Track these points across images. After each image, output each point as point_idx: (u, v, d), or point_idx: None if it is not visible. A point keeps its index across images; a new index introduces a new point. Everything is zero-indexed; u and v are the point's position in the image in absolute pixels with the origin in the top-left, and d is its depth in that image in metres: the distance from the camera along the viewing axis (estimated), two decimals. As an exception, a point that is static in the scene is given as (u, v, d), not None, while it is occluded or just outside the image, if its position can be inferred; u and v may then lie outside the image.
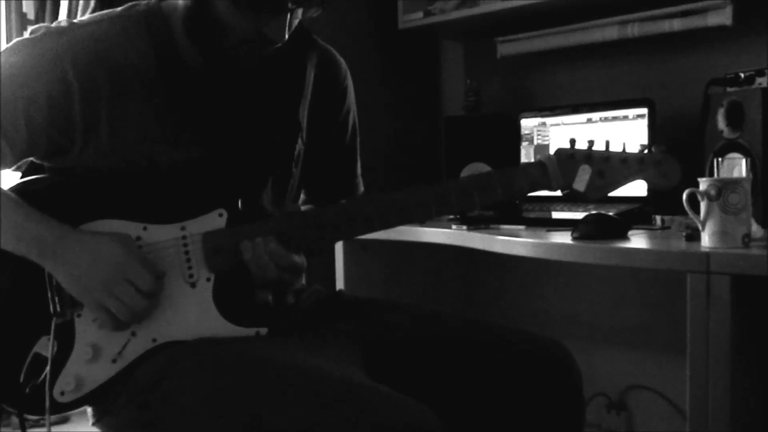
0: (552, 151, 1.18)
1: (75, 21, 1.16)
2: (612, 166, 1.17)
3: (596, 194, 1.17)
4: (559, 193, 1.19)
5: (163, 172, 1.14)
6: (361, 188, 1.41)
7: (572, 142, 1.18)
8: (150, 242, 1.11)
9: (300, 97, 1.25)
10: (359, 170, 1.40)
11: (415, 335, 1.22)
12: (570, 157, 1.17)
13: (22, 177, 1.19)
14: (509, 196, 1.15)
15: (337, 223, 1.13)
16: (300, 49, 1.24)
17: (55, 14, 2.56)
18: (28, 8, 2.56)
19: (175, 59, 1.15)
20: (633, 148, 1.20)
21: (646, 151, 1.20)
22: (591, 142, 1.18)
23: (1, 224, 1.07)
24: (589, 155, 1.17)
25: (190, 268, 1.11)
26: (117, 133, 1.12)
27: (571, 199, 1.19)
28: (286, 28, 1.09)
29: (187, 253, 1.11)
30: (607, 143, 1.19)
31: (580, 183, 1.16)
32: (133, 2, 1.20)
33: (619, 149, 1.19)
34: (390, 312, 1.28)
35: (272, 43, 1.11)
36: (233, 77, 1.18)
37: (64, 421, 1.99)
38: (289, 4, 1.07)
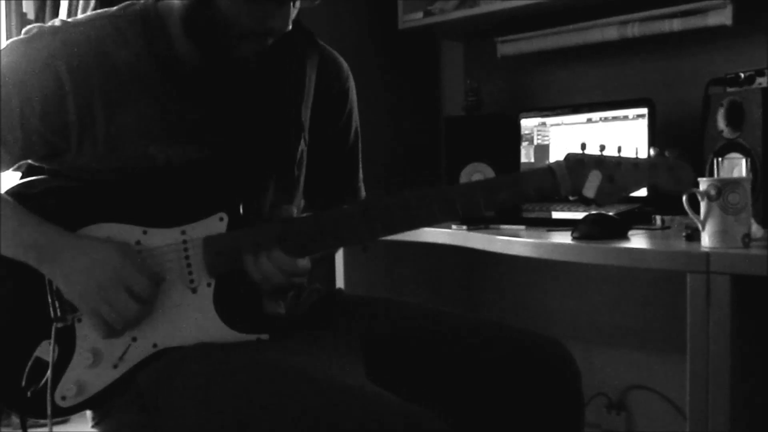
0: (560, 155, 1.14)
1: (69, 20, 1.15)
2: (623, 171, 1.12)
3: (606, 200, 1.13)
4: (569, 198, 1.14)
5: (162, 174, 1.13)
6: (363, 193, 1.38)
7: (583, 146, 1.14)
8: (150, 247, 1.10)
9: (302, 98, 1.23)
10: (361, 175, 1.38)
11: (414, 334, 1.22)
12: (579, 162, 1.12)
13: (21, 178, 1.18)
14: (515, 201, 1.12)
15: (339, 228, 1.11)
16: (300, 48, 1.23)
17: (55, 14, 2.56)
18: (28, 8, 2.56)
19: (172, 59, 1.14)
20: (644, 153, 1.15)
21: (659, 156, 1.15)
22: (602, 147, 1.14)
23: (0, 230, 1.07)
24: (600, 160, 1.12)
25: (190, 273, 1.10)
26: (113, 133, 1.11)
27: (580, 204, 1.16)
28: (290, 19, 1.09)
29: (187, 258, 1.10)
30: (619, 148, 1.14)
31: (590, 189, 1.11)
32: (129, 2, 1.19)
33: (631, 154, 1.14)
34: (389, 311, 1.28)
35: (274, 35, 1.10)
36: (232, 76, 1.17)
37: (65, 421, 1.99)
38: None
